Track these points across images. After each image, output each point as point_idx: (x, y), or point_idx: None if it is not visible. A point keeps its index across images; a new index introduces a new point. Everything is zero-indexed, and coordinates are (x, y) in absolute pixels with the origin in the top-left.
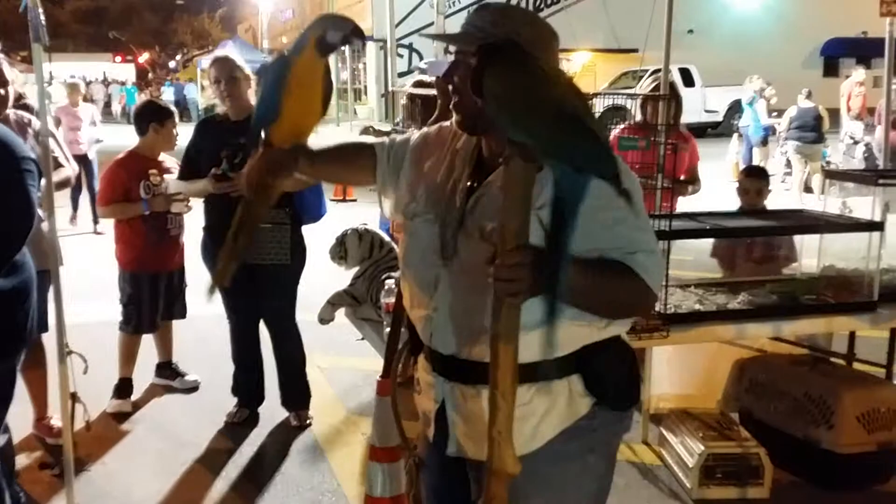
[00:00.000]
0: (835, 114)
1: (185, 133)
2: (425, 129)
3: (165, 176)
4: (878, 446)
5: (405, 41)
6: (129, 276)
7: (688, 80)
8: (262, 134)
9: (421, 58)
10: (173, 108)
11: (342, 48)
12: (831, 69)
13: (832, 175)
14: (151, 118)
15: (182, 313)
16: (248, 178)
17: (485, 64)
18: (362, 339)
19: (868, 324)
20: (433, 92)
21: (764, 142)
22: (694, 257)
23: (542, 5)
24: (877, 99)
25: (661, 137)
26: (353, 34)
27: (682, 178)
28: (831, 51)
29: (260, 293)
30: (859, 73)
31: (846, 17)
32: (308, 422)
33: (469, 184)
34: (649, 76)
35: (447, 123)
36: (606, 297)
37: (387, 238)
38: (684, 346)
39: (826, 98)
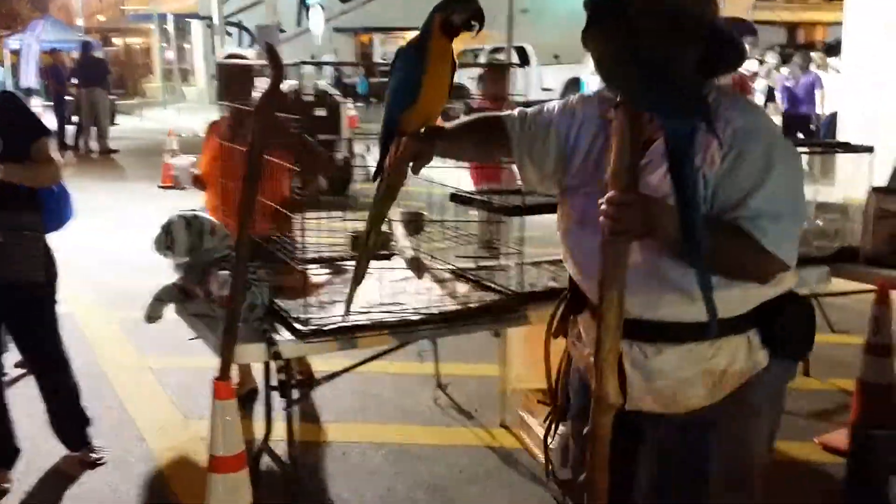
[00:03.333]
0: None
1: None
2: (567, 99)
3: None
4: None
5: (233, 19)
6: None
7: (523, 58)
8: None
9: (252, 37)
10: None
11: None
12: None
13: None
14: None
15: None
16: (394, 166)
17: (588, 22)
18: (196, 337)
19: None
20: (251, 63)
21: None
22: (547, 233)
23: None
24: None
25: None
26: (475, 16)
27: None
28: None
29: (10, 321)
30: None
31: None
32: (100, 459)
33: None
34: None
35: (590, 94)
36: (721, 261)
37: (219, 224)
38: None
39: None
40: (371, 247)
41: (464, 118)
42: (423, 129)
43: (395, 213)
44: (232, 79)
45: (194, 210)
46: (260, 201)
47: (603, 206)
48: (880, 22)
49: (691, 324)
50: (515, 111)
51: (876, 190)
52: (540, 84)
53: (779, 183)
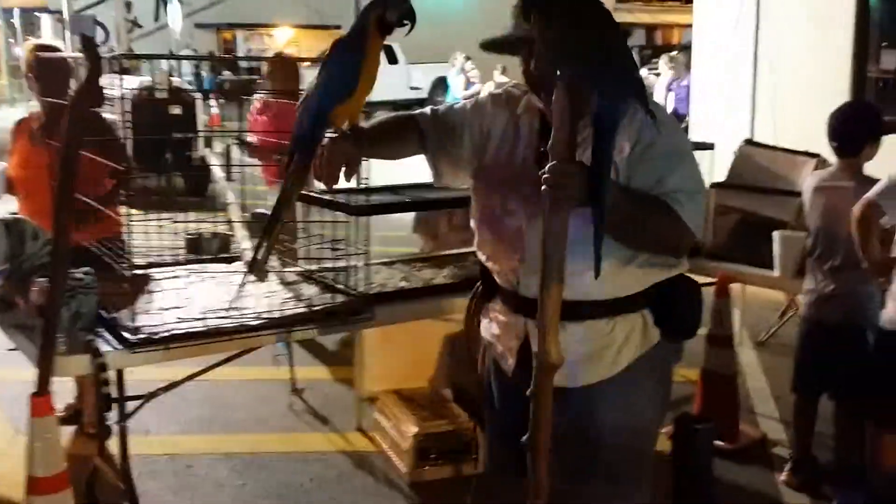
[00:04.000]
0: None
1: None
2: (476, 97)
3: None
4: None
5: (85, 13)
6: None
7: (391, 56)
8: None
9: (106, 32)
10: None
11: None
12: None
13: None
14: None
15: None
16: (327, 171)
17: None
18: (14, 349)
19: None
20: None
21: None
22: (405, 233)
23: None
24: None
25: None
26: (408, 14)
27: None
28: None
29: None
30: None
31: None
32: None
33: (540, 148)
34: None
35: (498, 91)
36: (644, 228)
37: (42, 229)
38: (395, 325)
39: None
40: (261, 261)
41: (378, 118)
42: (347, 130)
43: (236, 214)
44: (44, 72)
45: (15, 214)
46: (81, 203)
47: (546, 176)
48: (727, 23)
49: (592, 301)
50: (427, 109)
51: (716, 185)
52: (409, 82)
53: (689, 167)
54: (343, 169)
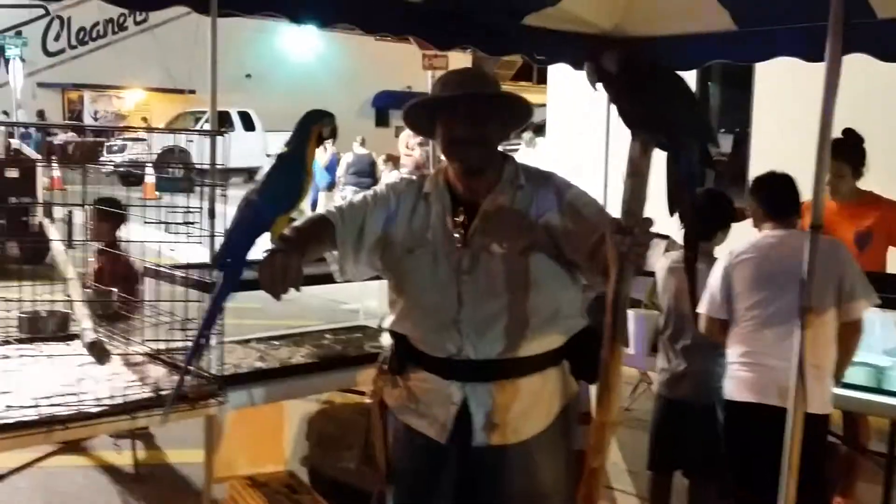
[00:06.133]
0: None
1: None
2: (374, 189)
3: None
4: None
5: None
6: None
7: (248, 123)
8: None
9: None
10: None
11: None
12: (382, 119)
13: None
14: None
15: None
16: (280, 284)
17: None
18: None
19: None
20: None
21: (330, 187)
22: (263, 305)
23: (87, 38)
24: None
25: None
26: (334, 131)
27: None
28: (381, 102)
29: None
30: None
31: (393, 71)
32: None
33: (461, 217)
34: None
35: (396, 181)
36: None
37: None
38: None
39: (378, 145)
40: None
41: (293, 224)
42: (283, 241)
43: (76, 291)
44: None
45: None
46: None
47: (628, 243)
48: (579, 107)
49: (528, 357)
50: (332, 207)
51: None
52: (265, 149)
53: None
54: (293, 285)
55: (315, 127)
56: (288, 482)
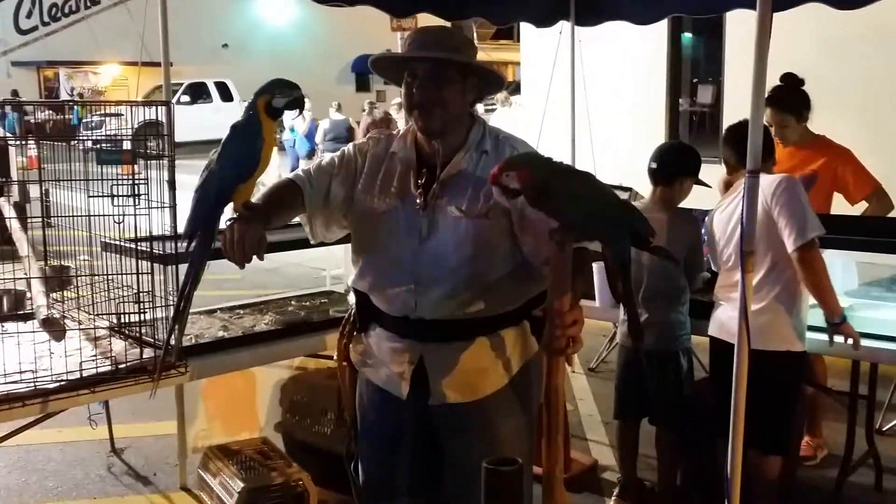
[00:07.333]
0: None
1: None
2: (342, 151)
3: None
4: None
5: None
6: None
7: (225, 94)
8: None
9: None
10: None
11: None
12: (363, 84)
13: None
14: None
15: None
16: (242, 252)
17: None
18: None
19: None
20: None
21: (310, 154)
22: (242, 276)
23: (60, 14)
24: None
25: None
26: (296, 102)
27: None
28: (361, 67)
29: None
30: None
31: (371, 35)
32: None
33: (423, 179)
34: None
35: (362, 141)
36: None
37: None
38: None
39: (359, 111)
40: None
41: (264, 190)
42: (246, 209)
43: (34, 268)
44: None
45: None
46: None
47: (567, 331)
48: (548, 62)
49: (487, 317)
50: (300, 170)
51: None
52: None
53: None
54: (258, 251)
55: (263, 97)
56: (261, 448)
